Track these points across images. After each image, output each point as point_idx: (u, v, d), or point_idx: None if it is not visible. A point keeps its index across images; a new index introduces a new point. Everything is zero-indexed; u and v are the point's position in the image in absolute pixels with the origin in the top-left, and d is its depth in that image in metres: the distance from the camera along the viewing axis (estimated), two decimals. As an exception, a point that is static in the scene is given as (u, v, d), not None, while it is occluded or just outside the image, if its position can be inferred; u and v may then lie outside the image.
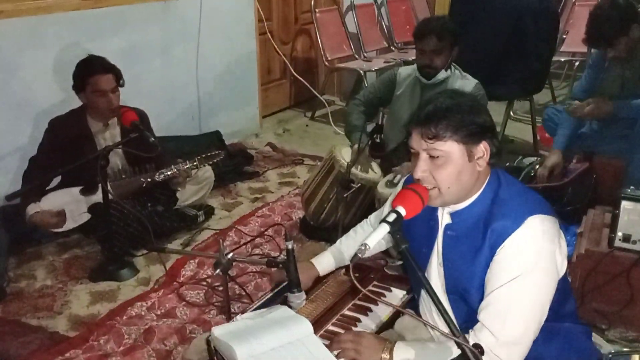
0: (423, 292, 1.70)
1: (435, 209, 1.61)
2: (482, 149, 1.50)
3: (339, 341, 1.62)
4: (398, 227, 1.44)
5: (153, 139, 2.67)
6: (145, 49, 3.81)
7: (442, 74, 2.86)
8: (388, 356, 1.53)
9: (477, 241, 1.50)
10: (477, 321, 1.48)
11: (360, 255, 1.42)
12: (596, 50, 3.18)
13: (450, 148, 1.47)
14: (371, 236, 1.42)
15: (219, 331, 1.67)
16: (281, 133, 4.92)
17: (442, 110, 1.48)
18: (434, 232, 1.62)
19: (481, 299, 1.50)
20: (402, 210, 1.46)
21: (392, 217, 1.45)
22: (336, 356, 1.61)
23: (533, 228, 1.45)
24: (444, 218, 1.60)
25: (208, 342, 1.67)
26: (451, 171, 1.48)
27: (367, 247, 1.41)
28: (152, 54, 3.88)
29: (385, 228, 1.43)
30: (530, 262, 1.43)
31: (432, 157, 1.49)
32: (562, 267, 1.52)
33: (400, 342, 1.57)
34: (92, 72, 2.81)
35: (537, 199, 1.55)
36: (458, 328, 1.33)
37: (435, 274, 1.65)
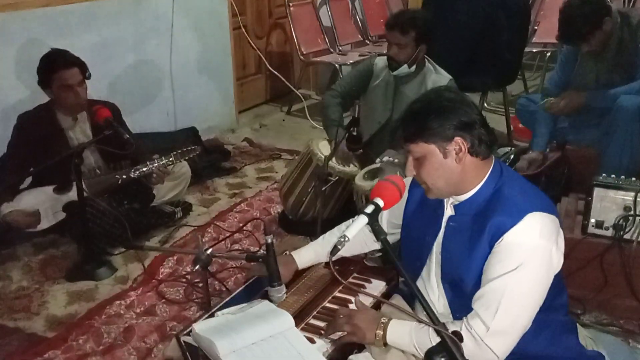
0: (421, 279, 1.73)
1: (442, 201, 1.66)
2: (458, 144, 1.53)
3: (335, 324, 1.66)
4: (376, 219, 1.47)
5: (128, 135, 2.63)
6: (117, 45, 3.76)
7: (404, 69, 2.84)
8: (382, 332, 1.58)
9: (477, 234, 1.54)
10: (470, 309, 1.52)
11: (339, 247, 1.44)
12: (568, 45, 3.21)
13: (422, 149, 1.55)
14: (350, 228, 1.45)
15: (200, 327, 1.67)
16: (258, 128, 4.91)
17: (411, 115, 1.59)
18: (438, 223, 1.67)
19: (475, 289, 1.54)
20: (380, 202, 1.50)
21: (370, 209, 1.48)
22: (336, 341, 1.66)
23: (531, 225, 1.48)
24: (448, 210, 1.65)
25: (178, 339, 1.66)
26: (429, 168, 1.56)
27: (347, 238, 1.43)
28: (125, 50, 3.83)
29: (363, 220, 1.46)
30: (525, 257, 1.47)
31: (414, 158, 1.58)
32: (559, 264, 1.56)
33: (395, 319, 1.61)
34: (56, 68, 2.76)
35: (538, 196, 1.58)
36: (437, 316, 1.36)
37: (434, 263, 1.69)
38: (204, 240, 2.95)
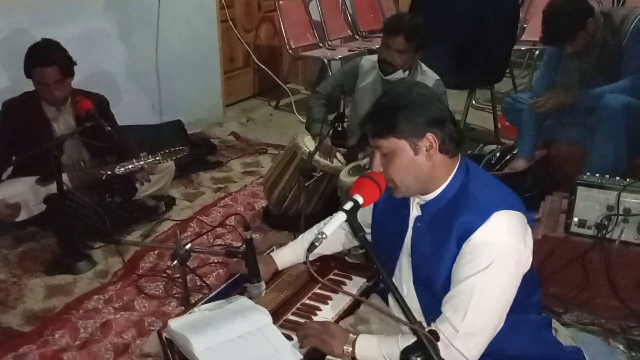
0: (393, 278, 1.70)
1: (407, 201, 1.63)
2: (429, 140, 1.50)
3: (304, 329, 1.62)
4: (355, 215, 1.44)
5: (109, 128, 2.59)
6: (103, 36, 3.72)
7: (399, 74, 2.82)
8: (351, 348, 1.54)
9: (444, 234, 1.51)
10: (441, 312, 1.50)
11: (317, 244, 1.41)
12: (551, 47, 3.20)
13: (392, 144, 1.51)
14: (328, 225, 1.42)
15: (176, 323, 1.65)
16: (245, 122, 4.88)
17: (382, 109, 1.53)
18: (405, 223, 1.63)
19: (446, 290, 1.51)
20: (360, 199, 1.46)
21: (349, 206, 1.45)
22: (301, 344, 1.61)
23: (499, 224, 1.45)
24: (414, 210, 1.61)
25: (160, 335, 1.63)
26: (399, 165, 1.51)
27: (324, 235, 1.40)
28: (110, 41, 3.80)
29: (342, 216, 1.43)
30: (494, 257, 1.44)
31: (382, 154, 1.53)
32: (528, 262, 1.53)
33: (363, 335, 1.58)
34: (35, 63, 2.72)
35: (505, 193, 1.55)
36: (414, 315, 1.33)
37: (405, 265, 1.66)
38: (186, 234, 2.94)
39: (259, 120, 4.95)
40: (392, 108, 1.50)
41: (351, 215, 1.43)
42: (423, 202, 1.58)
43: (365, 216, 1.77)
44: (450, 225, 1.49)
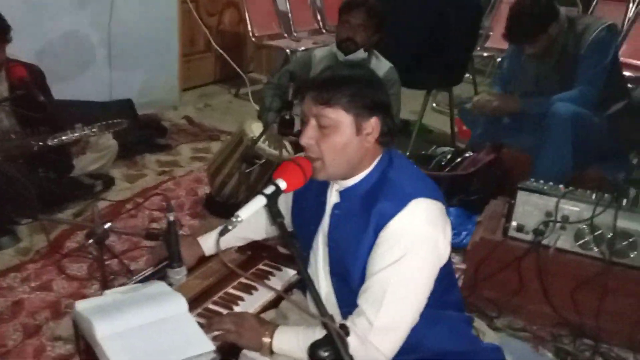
0: (310, 270, 1.62)
1: (326, 187, 1.55)
2: (372, 124, 1.44)
3: (220, 322, 1.54)
4: (275, 201, 1.37)
5: (43, 97, 2.46)
6: (53, 5, 3.57)
7: (360, 54, 2.79)
8: (269, 340, 1.47)
9: (362, 222, 1.45)
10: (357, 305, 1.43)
11: (230, 227, 1.33)
12: (513, 45, 3.20)
13: (339, 117, 1.42)
14: (245, 208, 1.34)
15: (83, 305, 1.54)
16: (202, 107, 4.76)
17: (338, 78, 1.45)
18: (322, 210, 1.56)
19: (363, 282, 1.44)
20: (282, 184, 1.39)
21: (270, 190, 1.37)
22: (216, 337, 1.52)
23: (416, 211, 1.40)
24: (332, 196, 1.54)
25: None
26: (337, 142, 1.43)
27: (239, 219, 1.33)
28: (61, 11, 3.64)
29: (261, 200, 1.35)
30: (410, 247, 1.38)
31: (320, 125, 1.44)
32: (445, 254, 1.48)
33: (283, 326, 1.51)
34: None
35: (426, 183, 1.50)
36: (327, 308, 1.27)
37: (321, 254, 1.58)
38: (121, 217, 2.82)
39: (217, 107, 4.84)
40: (349, 80, 1.43)
41: (271, 200, 1.36)
42: (342, 189, 1.52)
43: (287, 202, 1.69)
44: (368, 213, 1.43)
